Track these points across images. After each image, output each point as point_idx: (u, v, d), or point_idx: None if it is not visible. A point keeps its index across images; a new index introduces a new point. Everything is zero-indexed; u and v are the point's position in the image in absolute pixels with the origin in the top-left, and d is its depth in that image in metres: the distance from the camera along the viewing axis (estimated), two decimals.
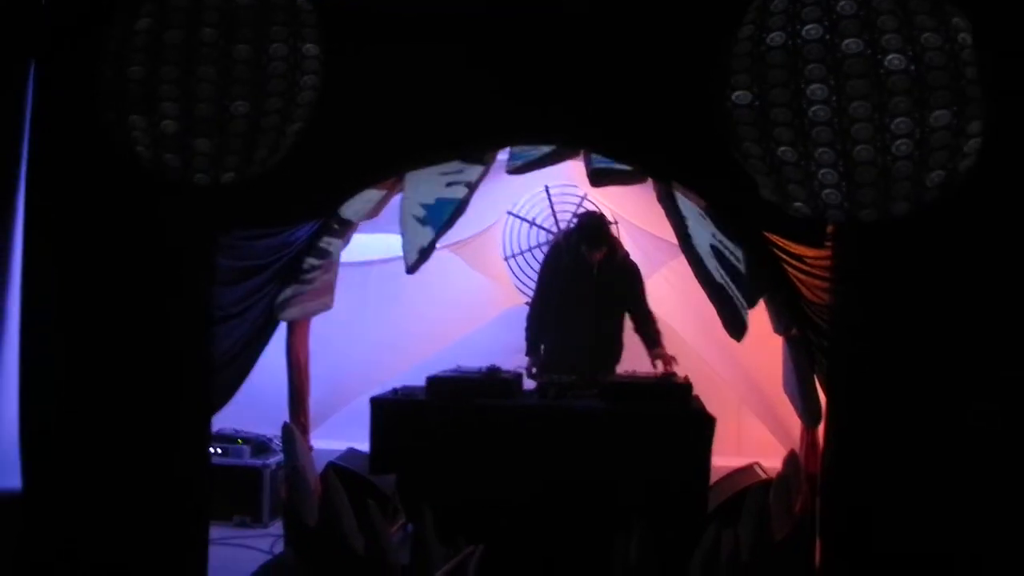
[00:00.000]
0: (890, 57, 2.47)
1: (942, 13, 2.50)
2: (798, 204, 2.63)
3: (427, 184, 4.74)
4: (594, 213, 6.03)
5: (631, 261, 5.93)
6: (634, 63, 3.78)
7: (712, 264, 4.64)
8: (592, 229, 5.72)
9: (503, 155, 4.68)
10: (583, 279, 5.71)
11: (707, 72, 3.18)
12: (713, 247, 4.60)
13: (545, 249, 6.46)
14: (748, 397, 5.81)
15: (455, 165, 4.58)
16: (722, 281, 4.64)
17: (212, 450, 4.54)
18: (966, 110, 2.50)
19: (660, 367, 5.48)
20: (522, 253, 6.72)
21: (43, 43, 3.96)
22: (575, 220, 6.11)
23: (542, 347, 5.90)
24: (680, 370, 5.39)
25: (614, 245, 5.83)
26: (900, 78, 2.46)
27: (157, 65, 3.07)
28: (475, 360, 5.38)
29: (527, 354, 5.84)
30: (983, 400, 3.29)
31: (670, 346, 5.90)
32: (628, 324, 5.85)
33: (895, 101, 2.48)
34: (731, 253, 4.57)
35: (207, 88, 3.02)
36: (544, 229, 6.65)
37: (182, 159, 3.14)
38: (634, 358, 5.74)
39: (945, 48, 2.48)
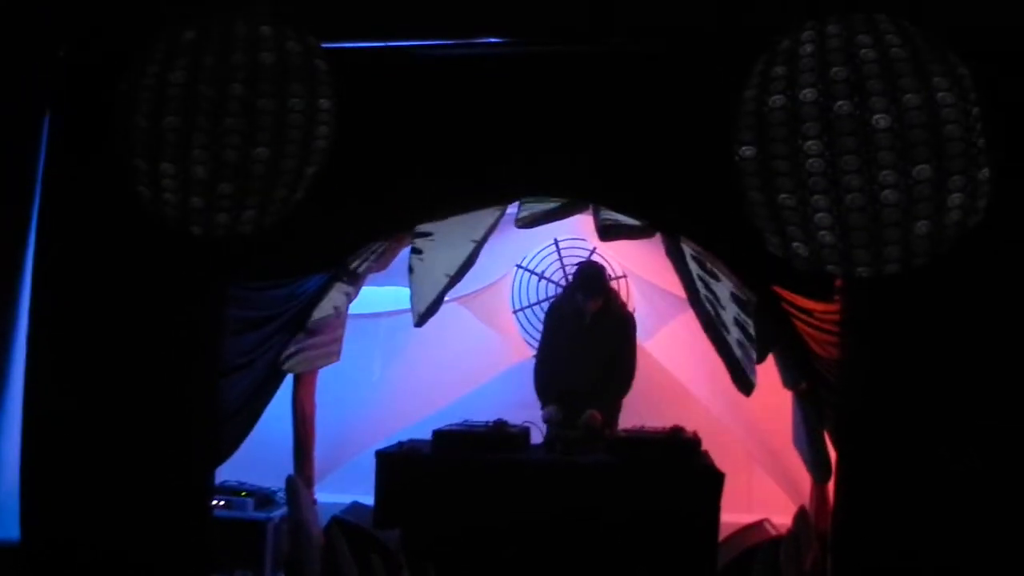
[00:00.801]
0: (876, 117, 2.77)
1: (924, 75, 2.78)
2: (796, 244, 2.84)
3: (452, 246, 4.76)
4: (592, 262, 6.00)
5: (627, 312, 5.89)
6: (643, 120, 3.83)
7: (723, 318, 4.63)
8: (588, 278, 5.68)
9: (512, 208, 4.70)
10: (578, 329, 5.68)
11: (714, 130, 3.27)
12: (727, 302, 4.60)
13: None
14: (757, 452, 5.76)
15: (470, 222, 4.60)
16: (731, 336, 4.62)
17: (215, 502, 4.50)
18: (948, 165, 2.70)
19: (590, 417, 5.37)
20: (531, 306, 6.72)
21: (58, 94, 4.03)
22: (573, 268, 6.08)
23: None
24: (689, 425, 5.34)
25: (610, 296, 5.80)
26: (885, 135, 2.77)
27: (187, 115, 3.24)
28: (483, 414, 5.34)
29: (543, 407, 5.75)
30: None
31: (678, 401, 5.86)
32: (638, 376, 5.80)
33: (881, 155, 2.77)
34: (741, 307, 4.57)
35: (232, 137, 3.19)
36: (553, 282, 6.65)
37: (206, 203, 3.26)
38: (642, 413, 5.68)
39: (925, 108, 2.77)
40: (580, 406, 5.44)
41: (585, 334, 5.62)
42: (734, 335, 4.56)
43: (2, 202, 4.09)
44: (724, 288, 4.55)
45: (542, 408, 5.71)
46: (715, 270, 4.46)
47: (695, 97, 3.72)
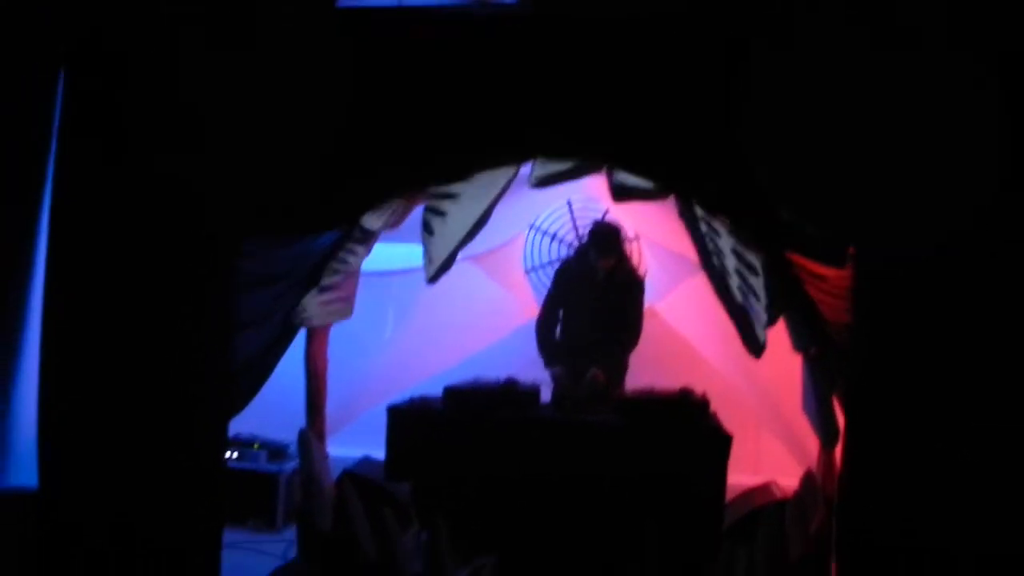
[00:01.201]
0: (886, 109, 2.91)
1: (937, 68, 2.77)
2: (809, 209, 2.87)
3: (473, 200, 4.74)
4: (607, 222, 5.99)
5: (637, 275, 5.90)
6: (659, 80, 3.81)
7: (733, 281, 4.63)
8: (603, 236, 5.68)
9: (526, 168, 4.69)
10: (589, 286, 5.69)
11: (729, 93, 3.25)
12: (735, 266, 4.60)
13: None
14: (766, 415, 5.79)
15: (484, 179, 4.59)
16: (742, 299, 4.63)
17: (228, 454, 4.57)
18: (959, 150, 2.74)
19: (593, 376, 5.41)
20: (543, 267, 6.72)
21: (72, 52, 4.02)
22: (588, 227, 6.07)
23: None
24: (698, 387, 5.37)
25: (622, 256, 5.80)
26: (896, 120, 2.89)
27: (203, 78, 3.25)
28: (494, 372, 5.38)
29: (546, 365, 5.79)
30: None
31: (688, 362, 5.88)
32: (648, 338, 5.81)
33: (892, 137, 2.78)
34: (752, 270, 4.57)
35: (250, 101, 3.20)
36: (565, 244, 6.65)
37: (219, 164, 3.28)
38: (652, 374, 5.71)
39: (940, 97, 2.84)
40: (585, 364, 5.48)
41: (596, 292, 5.64)
42: (735, 282, 4.56)
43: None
44: (726, 243, 4.55)
45: (545, 366, 5.75)
46: (718, 228, 4.46)
47: (711, 59, 3.70)
